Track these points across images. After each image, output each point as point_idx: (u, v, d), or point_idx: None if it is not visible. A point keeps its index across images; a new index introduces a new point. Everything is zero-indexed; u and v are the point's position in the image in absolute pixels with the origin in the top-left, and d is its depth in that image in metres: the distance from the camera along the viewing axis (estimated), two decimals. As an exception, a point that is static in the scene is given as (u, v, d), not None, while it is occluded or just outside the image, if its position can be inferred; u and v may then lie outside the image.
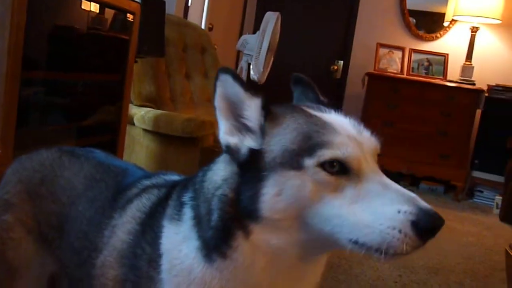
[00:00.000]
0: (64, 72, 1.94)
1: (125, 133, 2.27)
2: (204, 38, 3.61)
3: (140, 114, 2.81)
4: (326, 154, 0.76)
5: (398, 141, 4.74)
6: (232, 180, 0.82)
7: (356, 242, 0.75)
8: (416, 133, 4.79)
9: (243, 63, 3.88)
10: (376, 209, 0.74)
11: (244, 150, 0.81)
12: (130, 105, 2.97)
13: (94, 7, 1.82)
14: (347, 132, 0.80)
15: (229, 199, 0.81)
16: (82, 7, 1.76)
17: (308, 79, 1.01)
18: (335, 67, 5.52)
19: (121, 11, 2.03)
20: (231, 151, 0.83)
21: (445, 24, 5.14)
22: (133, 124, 2.84)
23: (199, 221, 0.84)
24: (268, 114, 0.82)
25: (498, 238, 3.65)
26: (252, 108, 0.82)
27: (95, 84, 2.08)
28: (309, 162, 0.76)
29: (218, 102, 0.83)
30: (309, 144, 0.77)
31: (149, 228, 0.91)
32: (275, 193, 0.77)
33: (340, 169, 0.76)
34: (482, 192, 4.80)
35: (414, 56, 5.12)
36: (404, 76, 5.04)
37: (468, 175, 4.82)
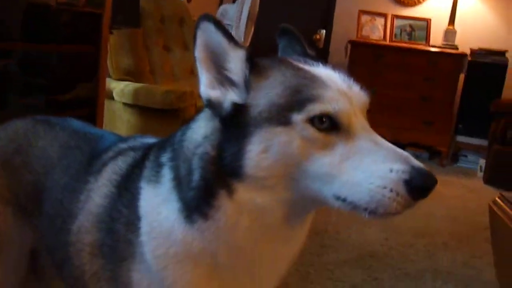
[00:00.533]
0: (36, 43, 1.88)
1: (103, 107, 2.22)
2: (182, 9, 3.53)
3: (119, 87, 2.75)
4: (316, 108, 0.72)
5: (382, 108, 4.73)
6: (214, 136, 0.78)
7: (344, 200, 0.72)
8: (400, 100, 4.79)
9: (223, 34, 3.82)
10: (368, 167, 0.71)
11: (227, 105, 0.77)
12: (109, 80, 2.91)
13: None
14: (337, 86, 0.76)
15: (211, 157, 0.78)
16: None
17: (296, 30, 0.96)
18: (318, 36, 5.46)
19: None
20: (212, 105, 0.78)
21: (427, -12, 5.10)
22: (113, 98, 2.79)
23: (179, 182, 0.81)
24: (253, 67, 0.78)
25: (482, 200, 3.68)
26: (235, 60, 0.78)
27: (70, 57, 2.02)
28: (298, 117, 0.72)
29: (199, 52, 0.77)
30: (297, 98, 0.73)
31: (126, 191, 0.88)
32: (261, 150, 0.73)
33: (330, 125, 0.73)
34: (466, 156, 4.85)
35: (397, 22, 5.08)
36: (387, 42, 5.01)
37: (452, 140, 4.85)
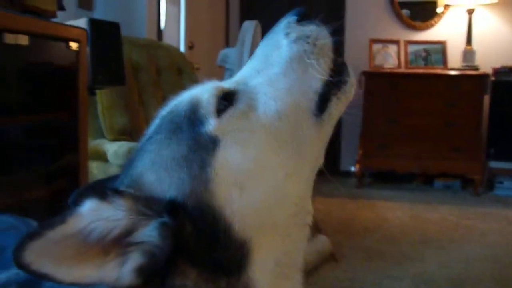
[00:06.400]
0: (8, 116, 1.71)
1: (87, 174, 2.02)
2: (180, 58, 3.37)
3: (113, 149, 2.56)
4: None
5: (405, 139, 4.46)
6: None
7: None
8: (423, 128, 4.49)
9: (226, 79, 3.65)
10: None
11: None
12: (103, 141, 2.74)
13: (22, 40, 1.60)
14: None
15: None
16: (6, 41, 1.54)
17: None
18: (330, 70, 5.26)
19: (60, 41, 1.80)
20: None
21: (439, 10, 4.86)
22: (107, 161, 2.61)
23: None
24: None
25: (526, 233, 3.33)
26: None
27: (41, 126, 1.85)
28: None
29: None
30: None
31: None
32: None
33: None
34: (502, 183, 4.46)
35: (410, 48, 4.84)
36: (402, 70, 4.76)
37: (485, 166, 4.48)
